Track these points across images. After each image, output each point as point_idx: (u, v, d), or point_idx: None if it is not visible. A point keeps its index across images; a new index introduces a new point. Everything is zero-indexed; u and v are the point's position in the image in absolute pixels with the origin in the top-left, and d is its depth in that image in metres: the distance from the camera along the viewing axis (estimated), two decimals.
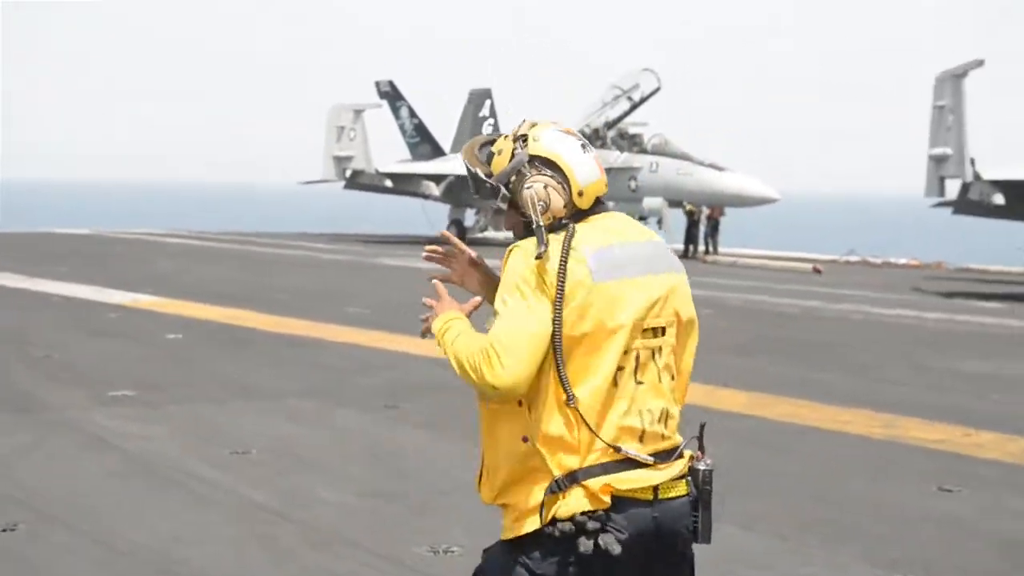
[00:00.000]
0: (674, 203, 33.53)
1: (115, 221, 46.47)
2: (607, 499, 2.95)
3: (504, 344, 2.96)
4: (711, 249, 33.14)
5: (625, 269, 3.09)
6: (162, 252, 29.42)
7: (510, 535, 3.05)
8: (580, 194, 3.14)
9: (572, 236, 3.07)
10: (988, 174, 22.62)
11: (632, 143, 34.18)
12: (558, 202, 3.12)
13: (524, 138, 3.17)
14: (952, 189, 23.79)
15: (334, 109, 40.01)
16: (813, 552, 6.25)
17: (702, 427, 3.19)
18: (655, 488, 3.01)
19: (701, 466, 3.10)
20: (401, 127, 42.93)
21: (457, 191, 37.74)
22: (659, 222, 34.44)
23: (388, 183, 39.53)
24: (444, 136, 43.15)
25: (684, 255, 32.73)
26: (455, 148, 42.28)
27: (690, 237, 33.53)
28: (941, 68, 24.38)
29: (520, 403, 3.03)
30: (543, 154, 3.14)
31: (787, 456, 8.52)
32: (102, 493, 7.15)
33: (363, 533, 6.43)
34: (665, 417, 3.10)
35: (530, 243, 3.09)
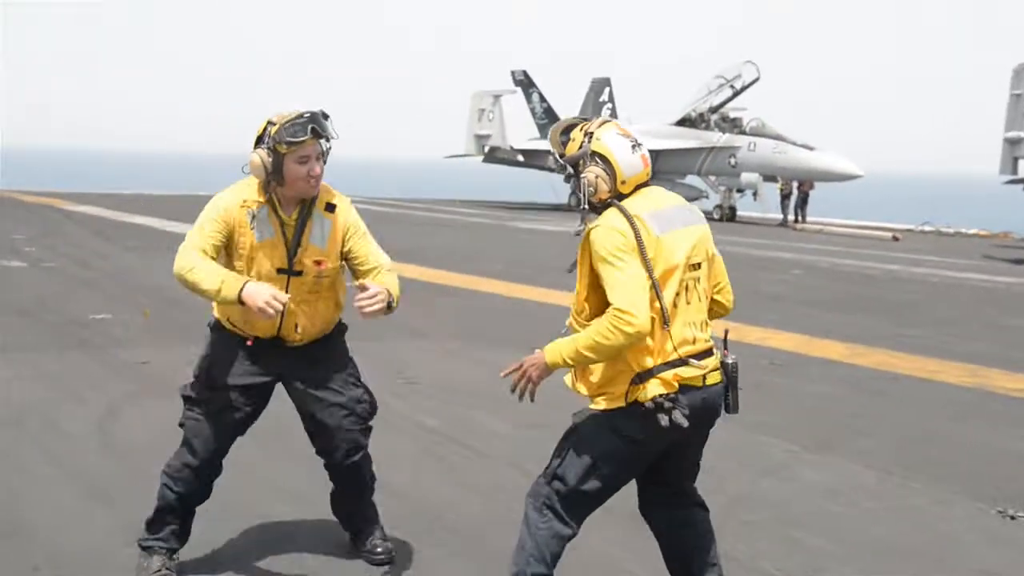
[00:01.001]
0: (769, 178, 32.78)
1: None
2: (676, 385, 3.48)
3: (624, 305, 3.38)
4: (801, 219, 32.26)
5: (673, 223, 3.56)
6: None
7: (606, 406, 3.53)
8: (623, 183, 3.58)
9: (624, 208, 3.52)
10: None
11: (733, 125, 33.53)
12: (603, 189, 3.56)
13: (591, 135, 3.60)
14: None
15: (476, 95, 40.04)
16: (918, 487, 5.94)
17: (726, 332, 3.73)
18: (704, 376, 3.54)
19: (729, 360, 3.64)
20: (532, 110, 42.77)
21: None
22: (754, 195, 33.75)
23: (520, 158, 39.43)
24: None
25: (782, 223, 31.96)
26: None
27: (783, 208, 32.74)
28: (1019, 59, 23.18)
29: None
30: (600, 150, 3.57)
31: (884, 399, 8.17)
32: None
33: (526, 458, 6.32)
34: (703, 325, 3.61)
35: (606, 219, 3.52)
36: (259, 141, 4.03)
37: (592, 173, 3.55)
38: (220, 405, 4.23)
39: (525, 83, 43.10)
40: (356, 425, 4.35)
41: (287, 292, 4.04)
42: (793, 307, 13.27)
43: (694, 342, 3.53)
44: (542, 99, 42.68)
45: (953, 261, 20.75)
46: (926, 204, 37.83)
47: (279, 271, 4.10)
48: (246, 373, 4.23)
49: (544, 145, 39.48)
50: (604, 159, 3.55)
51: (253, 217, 4.05)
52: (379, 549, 4.57)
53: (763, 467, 6.23)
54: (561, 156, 3.67)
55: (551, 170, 38.47)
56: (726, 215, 33.32)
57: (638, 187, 3.60)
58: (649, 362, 3.46)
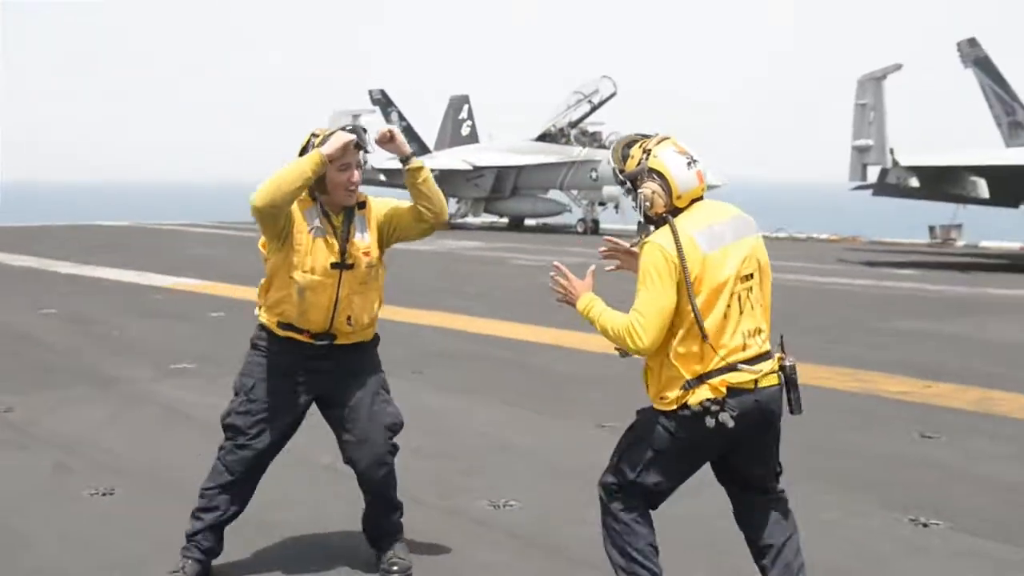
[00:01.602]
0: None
1: (143, 216, 45.48)
2: (723, 390, 3.73)
3: (642, 322, 3.74)
4: None
5: (723, 239, 3.79)
6: (196, 240, 28.80)
7: (662, 408, 3.83)
8: (678, 198, 3.83)
9: (675, 227, 3.75)
10: (905, 161, 22.46)
11: (593, 139, 33.96)
12: (659, 204, 3.82)
13: (649, 152, 3.83)
14: (873, 175, 23.66)
15: (335, 114, 39.32)
16: (830, 500, 5.93)
17: (782, 337, 3.95)
18: (755, 381, 3.77)
19: (787, 362, 3.88)
20: None
21: (441, 183, 36.86)
22: (616, 207, 34.23)
23: (382, 177, 38.96)
24: (428, 136, 42.67)
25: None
26: (438, 146, 41.80)
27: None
28: (863, 71, 24.19)
29: (669, 334, 3.76)
30: (657, 167, 3.81)
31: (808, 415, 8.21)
32: (186, 460, 6.71)
33: (424, 490, 6.06)
34: (757, 332, 3.83)
35: (656, 236, 3.79)
36: (303, 152, 4.47)
37: (649, 189, 3.81)
38: (260, 430, 4.62)
39: (383, 102, 42.74)
40: (388, 441, 4.70)
41: (340, 286, 4.51)
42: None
43: (744, 348, 3.77)
44: (401, 118, 42.40)
45: (812, 266, 21.43)
46: (781, 211, 39.22)
47: (333, 265, 4.52)
48: (288, 394, 4.61)
49: (398, 165, 39.19)
50: (661, 175, 3.80)
51: (310, 216, 4.50)
52: (395, 567, 4.75)
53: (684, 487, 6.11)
54: (621, 171, 3.92)
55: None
56: (589, 228, 33.67)
57: (693, 201, 3.85)
58: (698, 369, 3.75)
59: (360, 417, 4.64)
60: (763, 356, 3.82)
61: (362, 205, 4.63)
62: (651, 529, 3.97)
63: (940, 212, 27.59)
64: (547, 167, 34.63)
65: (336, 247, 4.54)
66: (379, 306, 4.72)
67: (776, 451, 4.00)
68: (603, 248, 4.18)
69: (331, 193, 4.52)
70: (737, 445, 3.87)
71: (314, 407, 4.83)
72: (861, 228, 32.38)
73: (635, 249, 3.98)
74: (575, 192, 34.97)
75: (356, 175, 4.50)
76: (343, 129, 4.48)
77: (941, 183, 22.61)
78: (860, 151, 23.62)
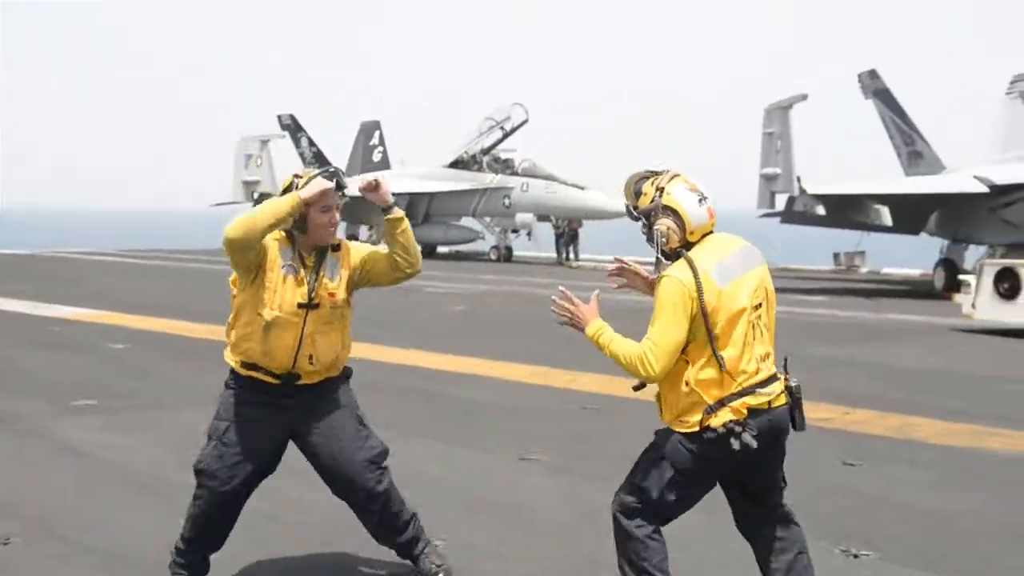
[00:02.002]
0: (543, 218, 33.39)
1: (32, 246, 43.93)
2: (745, 412, 3.93)
3: (655, 351, 3.94)
4: (573, 256, 33.08)
5: (735, 272, 4.00)
6: (96, 269, 27.88)
7: (682, 430, 3.99)
8: (691, 233, 4.03)
9: (692, 262, 3.94)
10: (812, 189, 22.93)
11: (505, 166, 34.00)
12: (674, 239, 4.02)
13: (662, 190, 4.03)
14: (781, 202, 24.10)
15: (243, 140, 38.75)
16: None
17: (786, 360, 4.14)
18: (769, 401, 3.98)
19: (793, 383, 4.07)
20: (301, 155, 41.92)
21: (352, 209, 36.78)
22: (528, 234, 34.30)
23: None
24: (339, 161, 42.23)
25: (559, 262, 32.61)
26: (349, 171, 41.39)
27: (558, 247, 33.44)
28: (770, 100, 24.68)
29: (687, 363, 3.95)
30: (670, 204, 4.02)
31: None
32: (88, 502, 6.34)
33: (345, 532, 5.79)
34: (767, 357, 4.04)
35: (675, 270, 3.96)
36: (284, 192, 4.59)
37: (664, 225, 4.00)
38: (233, 473, 4.64)
39: (293, 127, 42.21)
40: (375, 473, 4.75)
41: (305, 325, 4.56)
42: (590, 346, 13.26)
43: (757, 372, 3.97)
44: (311, 143, 41.90)
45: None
46: None
47: (300, 305, 4.57)
48: (261, 435, 4.65)
49: None
50: (675, 212, 3.99)
51: (284, 255, 4.58)
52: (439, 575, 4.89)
53: (605, 523, 5.95)
54: (635, 207, 4.11)
55: None
56: (503, 255, 33.63)
57: (704, 235, 4.04)
58: (718, 394, 3.93)
59: (338, 461, 4.71)
60: (772, 378, 4.03)
61: (336, 247, 4.71)
62: (664, 545, 4.10)
63: (845, 239, 28.24)
64: (459, 194, 34.54)
65: (304, 287, 4.60)
66: (344, 346, 4.77)
67: (780, 466, 4.18)
68: (612, 268, 4.34)
69: (311, 233, 4.61)
70: (756, 466, 4.06)
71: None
72: (768, 255, 32.92)
73: (643, 273, 4.25)
74: (488, 219, 34.94)
75: (336, 217, 4.63)
76: (323, 172, 4.61)
77: (846, 211, 23.13)
78: (768, 179, 24.07)
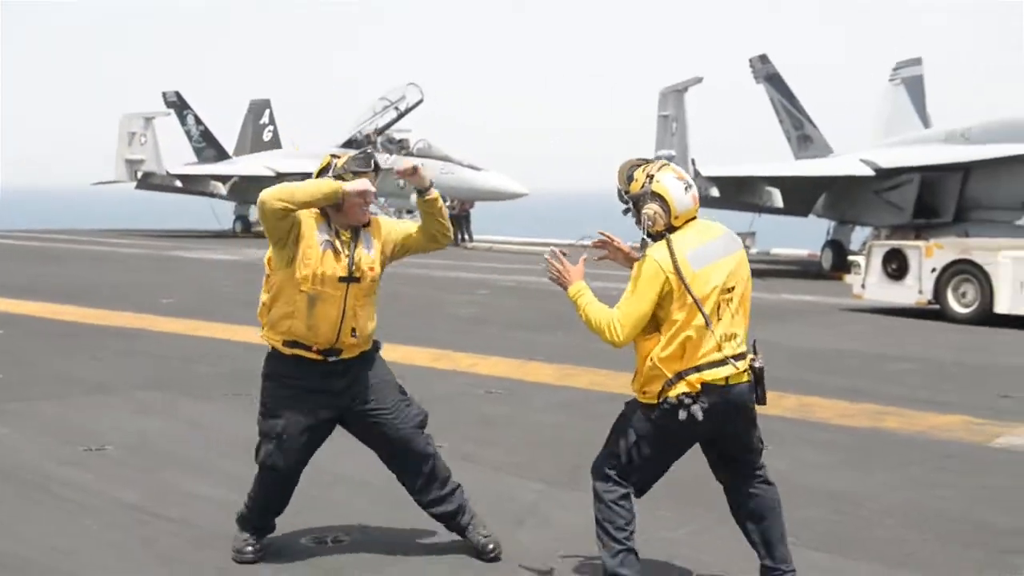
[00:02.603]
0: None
1: None
2: (698, 386, 4.25)
3: (622, 321, 4.29)
4: (468, 237, 32.92)
5: (710, 257, 4.31)
6: None
7: (644, 400, 4.38)
8: (676, 218, 4.35)
9: (671, 244, 4.25)
10: (706, 171, 23.20)
11: (400, 147, 33.50)
12: (660, 223, 4.33)
13: (652, 177, 4.34)
14: None
15: (126, 117, 37.33)
16: (667, 515, 5.76)
17: (754, 342, 4.47)
18: (727, 378, 4.29)
19: (757, 364, 4.39)
20: (188, 133, 40.65)
21: (242, 190, 35.99)
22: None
23: (178, 183, 37.24)
24: (227, 141, 41.13)
25: (454, 243, 32.38)
26: (238, 151, 40.37)
27: (456, 227, 33.18)
28: (664, 84, 24.85)
29: (655, 341, 4.29)
30: (659, 191, 4.33)
31: (608, 421, 8.06)
32: None
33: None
34: (732, 337, 4.34)
35: (656, 251, 4.27)
36: (322, 173, 4.77)
37: (651, 209, 4.30)
38: (296, 460, 4.93)
39: (178, 105, 40.86)
40: (424, 436, 4.99)
41: (347, 299, 4.74)
42: (494, 329, 13.16)
43: (719, 349, 4.27)
44: (198, 122, 40.63)
45: (623, 273, 21.72)
46: (587, 220, 39.99)
47: (340, 279, 4.73)
48: (320, 424, 4.89)
49: (205, 169, 37.62)
50: (662, 198, 4.30)
51: (321, 230, 4.70)
52: (490, 546, 5.04)
53: (514, 513, 5.82)
54: (626, 192, 4.40)
55: (212, 195, 36.73)
56: None
57: (687, 220, 4.36)
58: (677, 367, 4.26)
59: (390, 424, 4.90)
60: (738, 357, 4.32)
61: (367, 223, 4.86)
62: (630, 511, 4.43)
63: (735, 221, 28.65)
64: None
65: (344, 261, 4.75)
66: (375, 320, 4.96)
67: (755, 432, 4.52)
68: (596, 240, 4.68)
69: (346, 212, 4.76)
70: (721, 435, 4.43)
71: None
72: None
73: (626, 248, 4.63)
74: (382, 200, 34.37)
75: (372, 198, 4.79)
76: (361, 154, 4.84)
77: (740, 193, 23.50)
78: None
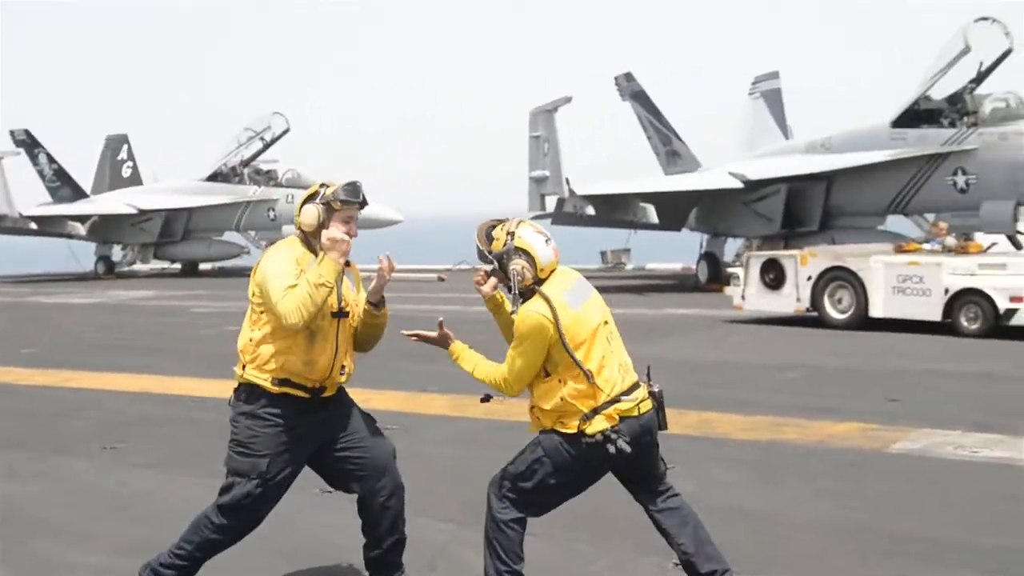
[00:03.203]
0: None
1: None
2: (617, 418, 4.36)
3: (512, 377, 4.45)
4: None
5: (581, 295, 4.49)
6: None
7: (563, 431, 4.37)
8: (541, 271, 4.46)
9: (547, 296, 4.36)
10: (581, 190, 23.32)
11: (268, 178, 32.83)
12: (528, 277, 4.43)
13: (512, 234, 4.46)
14: (551, 204, 24.38)
15: None
16: (588, 551, 5.56)
17: (648, 368, 4.66)
18: (638, 406, 4.44)
19: (655, 388, 4.57)
20: (40, 172, 38.83)
21: (102, 229, 34.59)
22: None
23: (32, 225, 35.52)
24: (84, 179, 39.49)
25: None
26: (96, 189, 38.80)
27: None
28: (534, 104, 24.94)
29: (559, 382, 4.36)
30: (522, 246, 4.44)
31: (508, 453, 7.82)
32: None
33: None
34: (625, 366, 4.51)
35: (533, 305, 4.37)
36: (310, 200, 4.63)
37: (519, 264, 4.40)
38: (270, 502, 4.69)
39: (29, 143, 38.99)
40: (395, 466, 4.87)
41: (338, 334, 4.66)
42: (380, 360, 12.75)
43: (623, 381, 4.42)
44: (51, 160, 38.85)
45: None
46: (463, 244, 39.82)
47: (333, 315, 4.63)
48: (300, 460, 4.69)
49: (61, 210, 35.99)
50: (527, 253, 4.41)
51: (311, 267, 4.52)
52: None
53: (425, 557, 5.52)
54: (489, 252, 4.50)
55: (70, 236, 35.15)
56: None
57: (551, 272, 4.47)
58: (592, 403, 4.33)
59: (370, 450, 4.80)
60: (635, 385, 4.47)
61: (347, 263, 4.71)
62: (521, 533, 4.48)
63: (615, 239, 28.93)
64: (221, 208, 33.07)
65: (334, 297, 4.61)
66: None
67: (656, 456, 4.62)
68: (480, 275, 4.64)
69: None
70: (629, 462, 4.44)
71: None
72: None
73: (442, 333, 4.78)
74: (253, 233, 33.61)
75: (355, 229, 4.65)
76: (350, 184, 4.61)
77: (615, 210, 23.71)
78: (537, 181, 24.33)
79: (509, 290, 4.46)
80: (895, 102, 21.58)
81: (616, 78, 29.76)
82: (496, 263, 4.48)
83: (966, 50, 19.62)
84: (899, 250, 16.03)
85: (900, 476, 6.98)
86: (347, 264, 4.71)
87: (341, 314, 4.68)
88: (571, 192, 23.28)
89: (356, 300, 4.79)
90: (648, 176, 27.07)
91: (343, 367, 4.72)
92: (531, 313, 4.32)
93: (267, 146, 33.23)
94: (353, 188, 4.63)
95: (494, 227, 4.53)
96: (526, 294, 4.41)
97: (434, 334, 4.75)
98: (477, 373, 4.56)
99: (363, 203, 4.65)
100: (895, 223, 22.53)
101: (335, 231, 4.53)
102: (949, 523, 5.91)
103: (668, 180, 26.11)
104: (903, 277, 14.59)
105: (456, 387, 10.54)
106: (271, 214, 32.24)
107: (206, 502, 6.68)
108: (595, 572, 5.26)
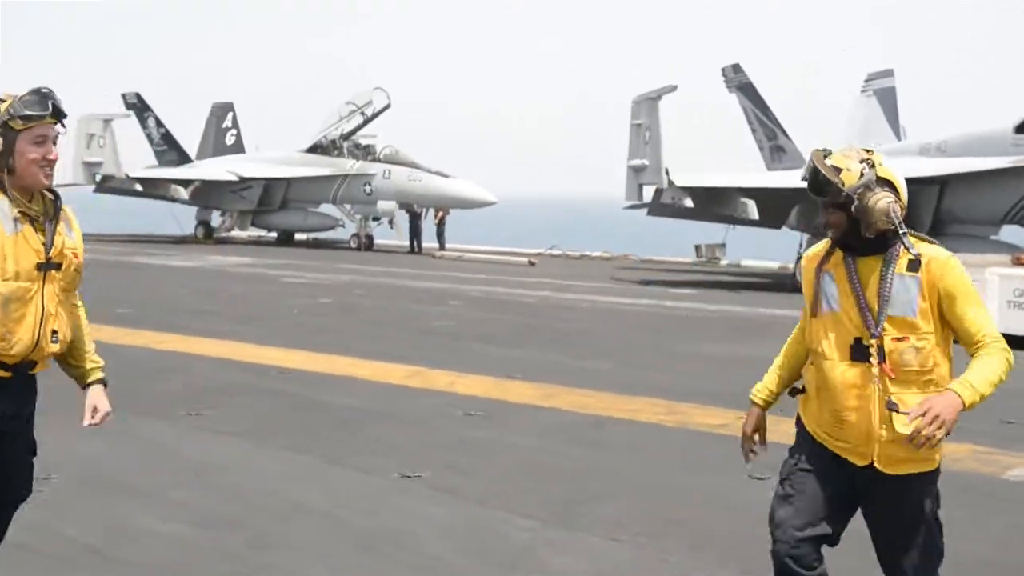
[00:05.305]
0: (404, 205, 32.49)
1: None
2: None
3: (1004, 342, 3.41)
4: (441, 246, 32.37)
5: None
6: None
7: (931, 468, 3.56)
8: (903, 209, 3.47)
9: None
10: (680, 181, 22.79)
11: (366, 153, 32.96)
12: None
13: (870, 162, 3.45)
14: (648, 194, 23.91)
15: (84, 118, 36.28)
16: (676, 560, 5.23)
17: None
18: None
19: None
20: (148, 136, 39.78)
21: (203, 195, 35.16)
22: (390, 223, 33.38)
23: (138, 187, 36.32)
24: (190, 145, 40.29)
25: (411, 251, 31.88)
26: (200, 155, 39.51)
27: (415, 233, 32.56)
28: (638, 91, 24.46)
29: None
30: (887, 176, 3.45)
31: (603, 451, 7.50)
32: None
33: (206, 570, 4.94)
34: None
35: (935, 249, 3.46)
36: None
37: (888, 200, 3.39)
38: None
39: (139, 107, 39.95)
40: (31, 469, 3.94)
41: (44, 291, 3.66)
42: (468, 344, 12.58)
43: None
44: (159, 124, 39.76)
45: (594, 285, 21.29)
46: (556, 229, 39.48)
47: (39, 266, 3.65)
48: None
49: (166, 173, 36.75)
50: (892, 186, 3.45)
51: (3, 212, 3.59)
52: None
53: (505, 555, 5.26)
54: (842, 185, 3.41)
55: (173, 199, 35.86)
56: (363, 244, 32.56)
57: None
58: None
59: (18, 447, 3.83)
60: None
61: (56, 198, 3.76)
62: None
63: (712, 231, 28.31)
64: (318, 180, 33.31)
65: (38, 243, 3.67)
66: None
67: None
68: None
69: (20, 172, 3.63)
70: None
71: None
72: (632, 247, 32.94)
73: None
74: (348, 206, 33.80)
75: (55, 151, 3.67)
76: (34, 94, 3.62)
77: (714, 204, 23.11)
78: (636, 170, 23.85)
79: (858, 237, 3.43)
80: (1018, 106, 20.56)
81: (723, 69, 29.04)
82: (850, 201, 3.39)
83: None
84: (1017, 262, 15.20)
85: (1021, 505, 6.47)
86: (54, 199, 3.75)
87: (49, 265, 3.68)
88: (670, 183, 22.75)
89: (76, 247, 3.80)
90: (748, 171, 26.35)
91: (53, 333, 3.72)
92: (951, 256, 3.44)
93: (367, 121, 33.36)
94: (39, 98, 3.62)
95: (828, 155, 3.49)
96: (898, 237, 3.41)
97: None
98: (994, 380, 3.37)
99: (56, 115, 3.64)
100: (1009, 233, 21.50)
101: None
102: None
103: (771, 176, 25.37)
104: (1021, 291, 13.82)
105: (542, 374, 10.28)
106: (367, 188, 32.36)
107: (283, 476, 6.58)
108: None
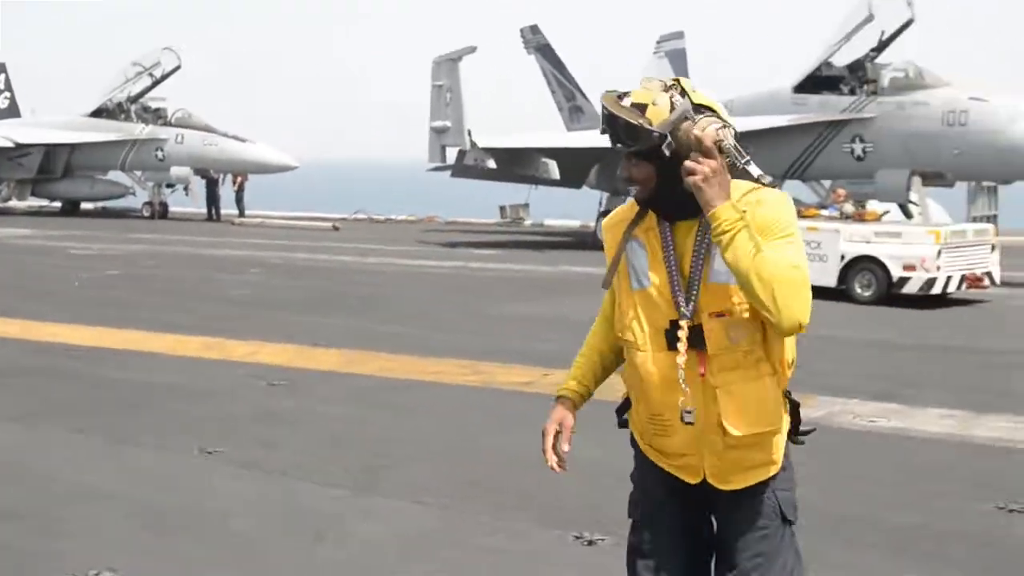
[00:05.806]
0: (200, 171, 31.24)
1: None
2: None
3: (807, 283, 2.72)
4: (240, 212, 31.39)
5: None
6: None
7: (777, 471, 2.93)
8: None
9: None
10: (482, 142, 22.88)
11: (156, 116, 31.46)
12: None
13: (681, 90, 2.78)
14: (452, 156, 23.91)
15: None
16: (486, 521, 5.27)
17: None
18: None
19: None
20: None
21: None
22: (185, 189, 32.07)
23: None
24: None
25: (209, 218, 30.82)
26: None
27: (212, 200, 31.41)
28: (438, 52, 24.35)
29: None
30: (705, 103, 2.80)
31: (406, 415, 7.49)
32: None
33: None
34: None
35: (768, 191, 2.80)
36: None
37: (717, 127, 2.70)
38: None
39: None
40: None
41: None
42: (269, 312, 12.26)
43: None
44: None
45: (399, 248, 21.16)
46: (361, 193, 38.99)
47: None
48: None
49: None
50: (712, 111, 2.78)
51: None
52: None
53: (313, 528, 5.16)
54: (651, 127, 2.69)
55: None
56: (157, 212, 31.15)
57: None
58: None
59: None
60: None
61: None
62: None
63: (514, 194, 28.61)
64: (105, 145, 31.55)
65: None
66: None
67: None
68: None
69: None
70: None
71: None
72: (437, 209, 32.91)
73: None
74: (139, 173, 32.20)
75: None
76: None
77: (516, 164, 23.33)
78: (438, 132, 23.78)
79: (672, 192, 2.74)
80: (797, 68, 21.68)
81: (522, 30, 29.28)
82: (667, 138, 2.69)
83: (869, 18, 19.76)
84: (798, 215, 16.09)
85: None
86: None
87: None
88: (472, 144, 22.80)
89: None
90: (551, 132, 26.75)
91: None
92: (780, 193, 2.85)
93: (156, 83, 31.79)
94: None
95: (625, 95, 2.77)
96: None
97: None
98: (758, 261, 2.64)
99: None
100: (790, 188, 22.74)
101: None
102: (852, 497, 5.80)
103: (571, 136, 25.85)
104: (816, 243, 14.60)
105: (347, 341, 10.15)
106: (159, 154, 30.93)
107: (70, 460, 6.23)
108: (490, 546, 4.97)
